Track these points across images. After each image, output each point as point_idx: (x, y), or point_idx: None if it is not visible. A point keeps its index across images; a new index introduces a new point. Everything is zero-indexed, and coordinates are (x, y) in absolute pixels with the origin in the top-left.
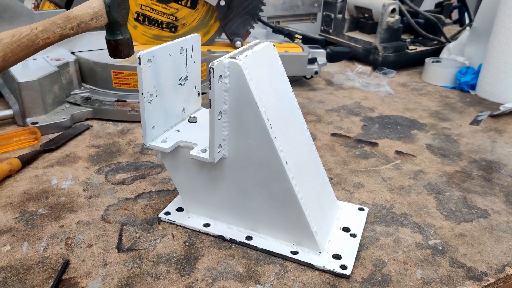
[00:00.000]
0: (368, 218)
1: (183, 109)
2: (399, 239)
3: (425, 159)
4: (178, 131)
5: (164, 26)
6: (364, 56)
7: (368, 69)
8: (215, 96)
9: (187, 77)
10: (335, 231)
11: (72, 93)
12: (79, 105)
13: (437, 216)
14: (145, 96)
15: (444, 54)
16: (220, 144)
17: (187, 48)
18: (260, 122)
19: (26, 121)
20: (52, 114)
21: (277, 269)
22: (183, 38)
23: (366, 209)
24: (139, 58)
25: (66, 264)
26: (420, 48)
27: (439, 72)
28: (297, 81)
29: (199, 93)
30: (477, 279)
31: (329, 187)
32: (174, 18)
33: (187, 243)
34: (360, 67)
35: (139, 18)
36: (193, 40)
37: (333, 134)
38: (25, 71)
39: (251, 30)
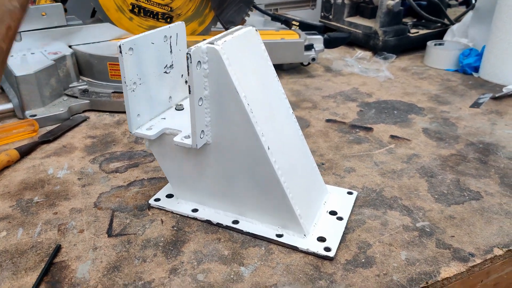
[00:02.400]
0: (356, 202)
1: (170, 97)
2: (386, 222)
3: (420, 143)
4: (164, 118)
5: (159, 17)
6: (365, 42)
7: (368, 54)
8: (193, 82)
9: (172, 65)
10: (321, 214)
11: (70, 85)
12: (76, 97)
13: (428, 199)
14: (128, 84)
15: (447, 37)
16: (202, 130)
17: (171, 36)
18: (240, 107)
19: (25, 114)
20: (50, 106)
21: (262, 251)
22: (167, 26)
23: (355, 193)
24: (119, 46)
25: (57, 248)
26: (423, 31)
27: (441, 55)
28: (294, 68)
29: (186, 81)
30: (463, 260)
31: (316, 172)
32: (169, 9)
33: (175, 228)
34: (359, 53)
35: (135, 10)
36: (177, 28)
37: (328, 120)
38: (22, 65)
39: (246, 18)
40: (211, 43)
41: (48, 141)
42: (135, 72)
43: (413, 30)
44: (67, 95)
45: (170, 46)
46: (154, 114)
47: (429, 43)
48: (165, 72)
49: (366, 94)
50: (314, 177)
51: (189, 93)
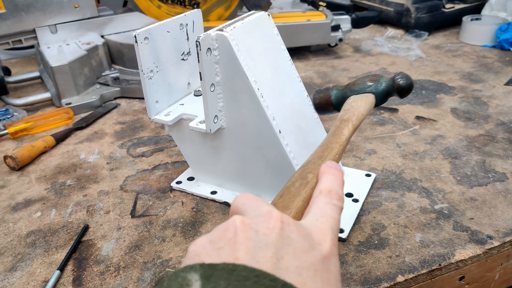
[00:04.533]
0: (375, 184)
1: (188, 83)
2: (403, 204)
3: (447, 123)
4: (183, 104)
5: (186, 3)
6: (396, 20)
7: (399, 33)
8: (204, 68)
9: (189, 52)
10: None
11: (102, 74)
12: (108, 85)
13: (449, 181)
14: (145, 72)
15: (485, 11)
16: (216, 115)
17: (187, 24)
18: (250, 92)
19: (62, 102)
20: (84, 94)
21: None
22: (182, 15)
23: (373, 175)
24: (135, 37)
25: (85, 228)
26: (459, 6)
27: (478, 31)
28: (322, 50)
29: None
30: (480, 243)
31: None
32: None
33: (194, 209)
34: (390, 31)
35: None
36: (194, 16)
37: None
38: (58, 56)
39: (272, 0)
40: (221, 30)
41: (81, 128)
42: (151, 60)
43: (448, 5)
44: (100, 83)
45: (187, 34)
46: (173, 100)
47: (464, 18)
48: (183, 59)
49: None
50: None
51: (200, 79)
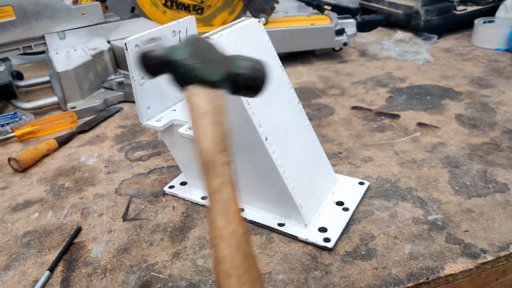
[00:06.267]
0: (368, 192)
1: None
2: (395, 214)
3: (450, 130)
4: (175, 110)
5: (191, 9)
6: (406, 22)
7: (408, 35)
8: None
9: None
10: (327, 205)
11: (108, 78)
12: (113, 89)
13: (446, 191)
14: (136, 79)
15: (500, 13)
16: None
17: (180, 31)
18: (236, 100)
19: (67, 106)
20: (89, 98)
21: (263, 239)
22: (175, 22)
23: (367, 183)
24: (125, 44)
25: (78, 230)
26: (471, 8)
27: (490, 33)
28: (327, 54)
29: None
30: (472, 256)
31: (324, 161)
32: (200, 1)
33: (184, 214)
34: (398, 34)
35: (167, 3)
36: (187, 23)
37: (354, 108)
38: (64, 61)
39: (276, 5)
40: (207, 37)
41: (84, 131)
42: None
43: (460, 7)
44: (105, 87)
45: (180, 41)
46: (166, 106)
47: (476, 20)
48: None
49: (400, 79)
50: (321, 167)
51: None
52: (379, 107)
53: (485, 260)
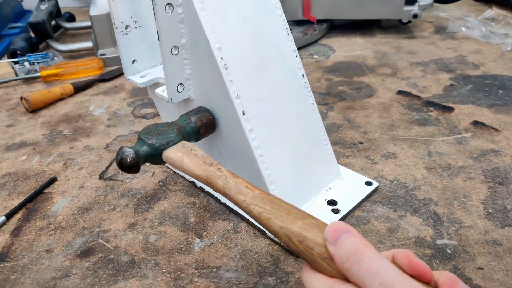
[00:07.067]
0: (374, 195)
1: None
2: (396, 228)
3: None
4: None
5: None
6: None
7: (502, 14)
8: (161, 27)
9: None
10: (316, 201)
11: None
12: None
13: (475, 212)
14: (118, 26)
15: None
16: (181, 83)
17: None
18: (212, 61)
19: (98, 53)
20: None
21: (229, 227)
22: None
23: (375, 184)
24: None
25: (51, 180)
26: None
27: None
28: (395, 27)
29: None
30: None
31: (325, 150)
32: None
33: (160, 183)
34: (489, 12)
35: None
36: None
37: (399, 92)
38: (98, 5)
39: None
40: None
41: (104, 80)
42: (128, 14)
43: None
44: None
45: None
46: (158, 61)
47: None
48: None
49: (472, 64)
50: (320, 157)
51: (159, 39)
52: (432, 96)
53: None
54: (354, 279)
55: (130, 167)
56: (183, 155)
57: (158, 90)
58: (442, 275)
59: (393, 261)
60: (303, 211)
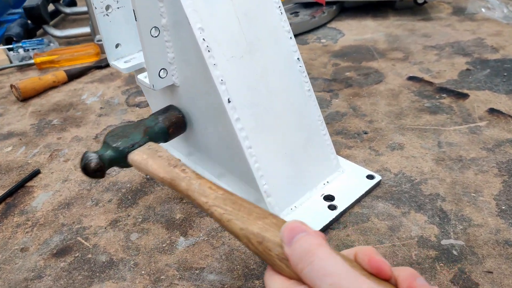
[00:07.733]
0: (376, 190)
1: None
2: (398, 227)
3: None
4: None
5: None
6: None
7: None
8: (137, 5)
9: None
10: (312, 196)
11: None
12: None
13: (486, 209)
14: (97, 7)
15: None
16: (164, 68)
17: None
18: (194, 43)
19: (96, 38)
20: None
21: (216, 225)
22: None
23: (378, 178)
24: None
25: (35, 173)
26: None
27: None
28: (410, 9)
29: None
30: None
31: (323, 141)
32: None
33: (148, 176)
34: None
35: None
36: None
37: (410, 78)
38: None
39: None
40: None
41: (100, 67)
42: None
43: None
44: None
45: None
46: None
47: None
48: None
49: (491, 48)
50: (317, 148)
51: (136, 20)
52: (446, 82)
53: None
54: (307, 281)
55: (94, 171)
56: (148, 157)
57: (140, 76)
58: (402, 271)
59: (355, 259)
60: (265, 211)
